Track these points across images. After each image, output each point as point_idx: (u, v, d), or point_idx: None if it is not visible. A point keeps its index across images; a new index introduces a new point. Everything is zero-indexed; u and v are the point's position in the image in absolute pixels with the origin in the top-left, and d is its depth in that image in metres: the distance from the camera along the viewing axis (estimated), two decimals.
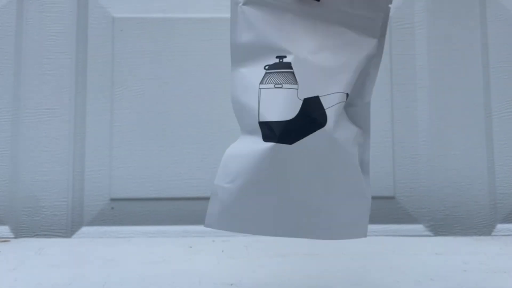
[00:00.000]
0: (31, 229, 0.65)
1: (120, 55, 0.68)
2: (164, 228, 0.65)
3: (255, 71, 0.32)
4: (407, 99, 0.67)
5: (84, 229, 0.65)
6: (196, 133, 0.67)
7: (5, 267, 0.46)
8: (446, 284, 0.40)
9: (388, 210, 0.66)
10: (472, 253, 0.52)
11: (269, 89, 0.31)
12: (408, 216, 0.66)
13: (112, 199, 0.66)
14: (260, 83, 0.31)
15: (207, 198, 0.67)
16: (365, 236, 0.34)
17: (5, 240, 0.61)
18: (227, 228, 0.33)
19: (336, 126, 0.31)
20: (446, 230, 0.65)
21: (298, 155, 0.30)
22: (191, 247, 0.55)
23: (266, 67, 0.31)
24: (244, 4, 0.33)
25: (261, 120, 0.31)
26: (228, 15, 0.77)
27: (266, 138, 0.30)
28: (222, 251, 0.52)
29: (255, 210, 0.31)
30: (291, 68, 0.31)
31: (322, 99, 0.31)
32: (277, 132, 0.30)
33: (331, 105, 0.31)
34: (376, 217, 0.65)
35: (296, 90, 0.31)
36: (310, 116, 0.30)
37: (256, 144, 0.30)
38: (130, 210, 0.66)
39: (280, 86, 0.31)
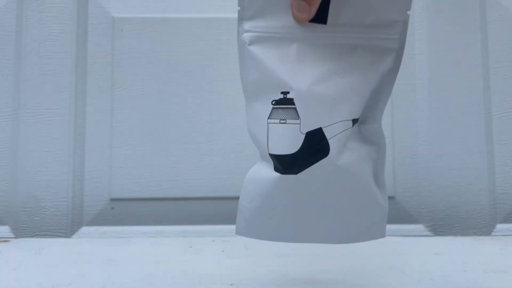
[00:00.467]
0: (31, 229, 0.65)
1: (120, 55, 0.68)
2: (164, 228, 0.66)
3: (264, 106, 0.34)
4: (407, 99, 0.67)
5: (84, 229, 0.65)
6: (196, 133, 0.68)
7: (5, 267, 0.46)
8: (446, 284, 0.40)
9: (388, 210, 0.67)
10: (472, 253, 0.52)
11: (275, 124, 0.34)
12: (408, 216, 0.66)
13: (112, 199, 0.66)
14: (268, 118, 0.34)
15: (207, 198, 0.66)
16: (383, 236, 0.36)
17: (5, 240, 0.61)
18: (252, 236, 0.37)
19: (340, 153, 0.33)
20: (446, 230, 0.65)
21: (305, 184, 0.33)
22: (191, 247, 0.54)
23: (273, 102, 0.33)
24: (249, 44, 0.34)
25: (270, 152, 0.34)
26: (228, 15, 0.77)
27: (275, 169, 0.33)
28: (222, 251, 0.52)
29: (274, 224, 0.35)
30: (293, 104, 0.33)
31: (325, 130, 0.33)
32: (283, 165, 0.33)
33: (335, 134, 0.33)
34: None
35: (299, 125, 0.33)
36: (313, 148, 0.33)
37: (268, 173, 0.34)
38: (130, 210, 0.66)
39: (284, 121, 0.33)
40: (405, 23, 0.34)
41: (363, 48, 0.33)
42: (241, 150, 0.67)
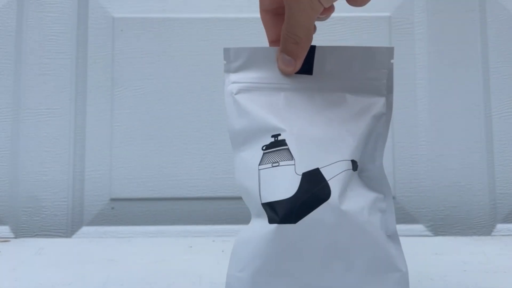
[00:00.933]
0: (31, 229, 0.65)
1: (120, 55, 0.68)
2: (164, 228, 0.66)
3: (254, 153, 0.32)
4: (407, 99, 0.67)
5: (84, 229, 0.65)
6: (196, 133, 0.68)
7: (5, 267, 0.46)
8: (446, 284, 0.40)
9: None
10: (472, 253, 0.52)
11: (267, 169, 0.31)
12: (408, 216, 0.66)
13: (112, 199, 0.66)
14: (259, 164, 0.31)
15: (207, 198, 0.66)
16: None
17: (5, 240, 0.61)
18: None
19: (343, 196, 0.30)
20: (446, 230, 0.65)
21: (305, 234, 0.29)
22: (191, 247, 0.55)
23: (264, 148, 0.31)
24: (236, 94, 0.33)
25: (263, 201, 0.30)
26: (228, 15, 0.76)
27: (270, 220, 0.29)
28: (222, 251, 0.52)
29: None
30: (285, 144, 0.31)
31: (323, 171, 0.30)
32: (279, 212, 0.29)
33: (335, 175, 0.30)
34: None
35: (293, 165, 0.30)
36: (311, 190, 0.29)
37: (262, 228, 0.29)
38: (130, 210, 0.66)
39: (277, 164, 0.30)
40: (390, 70, 0.34)
41: (352, 94, 0.33)
42: None
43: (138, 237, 0.63)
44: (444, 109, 0.68)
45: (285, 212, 0.29)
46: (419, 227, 0.66)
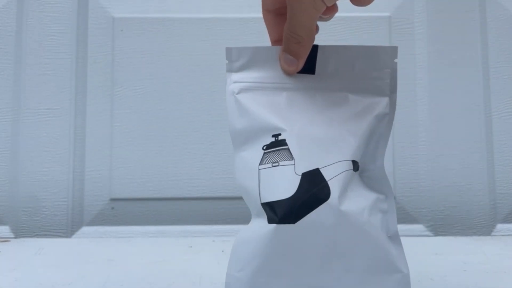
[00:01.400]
0: (31, 229, 0.65)
1: (120, 55, 0.68)
2: (164, 228, 0.66)
3: (255, 153, 0.32)
4: (407, 99, 0.67)
5: (84, 229, 0.65)
6: (196, 133, 0.68)
7: (5, 267, 0.47)
8: (446, 284, 0.40)
9: None
10: (472, 253, 0.52)
11: (267, 168, 0.31)
12: (408, 216, 0.66)
13: (112, 199, 0.66)
14: (259, 164, 0.31)
15: (207, 198, 0.66)
16: None
17: (5, 240, 0.61)
18: None
19: (343, 197, 0.29)
20: (446, 230, 0.65)
21: (304, 234, 0.29)
22: (191, 247, 0.55)
23: (264, 147, 0.31)
24: (238, 93, 0.33)
25: (262, 201, 0.30)
26: (228, 15, 0.76)
27: (269, 220, 0.29)
28: (222, 251, 0.52)
29: None
30: (285, 144, 0.31)
31: (323, 171, 0.30)
32: (278, 212, 0.29)
33: (335, 175, 0.30)
34: None
35: (293, 166, 0.30)
36: (310, 191, 0.29)
37: (262, 228, 0.29)
38: (130, 210, 0.66)
39: (277, 164, 0.30)
40: (393, 70, 0.34)
41: (355, 94, 0.33)
42: None
43: (138, 237, 0.63)
44: (444, 109, 0.68)
45: (284, 212, 0.29)
46: (419, 227, 0.66)
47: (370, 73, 0.33)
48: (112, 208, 0.66)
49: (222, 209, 0.66)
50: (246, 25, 0.69)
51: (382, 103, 0.33)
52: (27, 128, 0.67)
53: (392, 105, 0.34)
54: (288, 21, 0.33)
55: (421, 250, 0.53)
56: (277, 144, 0.31)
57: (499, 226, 0.66)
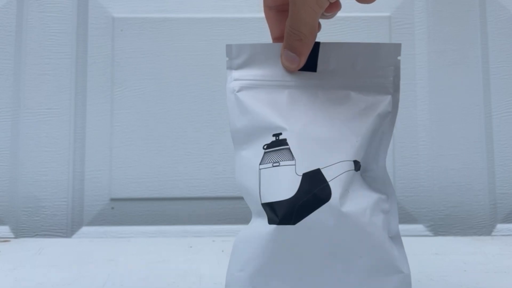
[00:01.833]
0: (31, 229, 0.65)
1: (120, 55, 0.68)
2: (164, 228, 0.66)
3: (255, 152, 0.31)
4: (407, 99, 0.67)
5: (84, 229, 0.66)
6: (196, 133, 0.68)
7: (5, 267, 0.47)
8: (446, 284, 0.40)
9: None
10: (472, 253, 0.52)
11: (267, 168, 0.30)
12: (408, 216, 0.66)
13: (112, 199, 0.66)
14: (260, 164, 0.31)
15: (207, 198, 0.66)
16: None
17: (5, 240, 0.62)
18: None
19: (344, 198, 0.29)
20: (446, 230, 0.66)
21: (304, 235, 0.29)
22: (191, 247, 0.55)
23: (265, 147, 0.31)
24: (238, 91, 0.33)
25: (263, 202, 0.30)
26: (228, 15, 0.76)
27: (270, 221, 0.29)
28: (222, 251, 0.52)
29: None
30: (286, 144, 0.30)
31: (324, 171, 0.30)
32: (278, 213, 0.29)
33: (336, 175, 0.30)
34: None
35: (294, 166, 0.30)
36: (311, 191, 0.29)
37: (262, 228, 0.29)
38: (130, 210, 0.67)
39: (277, 164, 0.30)
40: (396, 68, 0.33)
41: (357, 92, 0.32)
42: None
43: (138, 237, 0.63)
44: (444, 109, 0.68)
45: (284, 213, 0.29)
46: (419, 227, 0.66)
47: (373, 71, 0.33)
48: (112, 208, 0.66)
49: (222, 209, 0.67)
50: (246, 25, 0.69)
51: (385, 101, 0.33)
52: (27, 128, 0.67)
53: (395, 103, 0.33)
54: (290, 18, 0.33)
55: (421, 250, 0.53)
56: (278, 144, 0.31)
57: (499, 226, 0.66)
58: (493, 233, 0.65)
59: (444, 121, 0.67)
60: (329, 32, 0.68)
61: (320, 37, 0.35)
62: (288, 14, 0.33)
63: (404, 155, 0.66)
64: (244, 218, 0.66)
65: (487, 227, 0.65)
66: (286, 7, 0.34)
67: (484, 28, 0.68)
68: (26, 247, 0.56)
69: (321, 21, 0.37)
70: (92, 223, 0.66)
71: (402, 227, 0.64)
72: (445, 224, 0.66)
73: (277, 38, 0.36)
